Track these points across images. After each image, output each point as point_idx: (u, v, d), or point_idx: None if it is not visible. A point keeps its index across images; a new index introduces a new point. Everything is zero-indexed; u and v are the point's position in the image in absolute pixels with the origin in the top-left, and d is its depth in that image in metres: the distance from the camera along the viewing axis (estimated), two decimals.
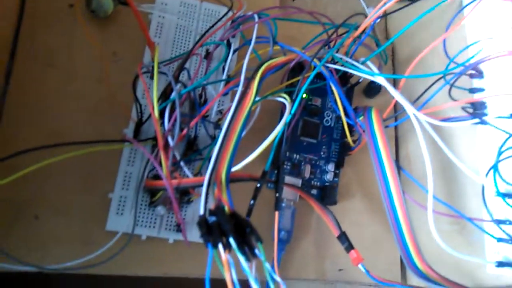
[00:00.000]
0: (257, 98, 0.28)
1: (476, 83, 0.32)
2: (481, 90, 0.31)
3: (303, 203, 0.36)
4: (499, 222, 0.28)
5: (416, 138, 0.27)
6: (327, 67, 0.32)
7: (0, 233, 0.29)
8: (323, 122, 0.39)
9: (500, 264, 0.28)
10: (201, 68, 0.36)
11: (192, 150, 0.33)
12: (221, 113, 0.35)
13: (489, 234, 0.29)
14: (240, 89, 0.27)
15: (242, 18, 0.34)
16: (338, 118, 0.39)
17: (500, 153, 0.28)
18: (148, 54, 0.35)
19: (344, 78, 0.38)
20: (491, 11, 0.31)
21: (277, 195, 0.31)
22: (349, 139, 0.36)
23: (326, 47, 0.34)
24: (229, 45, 0.34)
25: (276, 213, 0.30)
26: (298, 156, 0.37)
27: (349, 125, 0.34)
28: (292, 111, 0.29)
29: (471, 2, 0.31)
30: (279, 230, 0.34)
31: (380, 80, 0.31)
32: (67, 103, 0.33)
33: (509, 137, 0.28)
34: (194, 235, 0.32)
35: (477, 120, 0.28)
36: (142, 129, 0.33)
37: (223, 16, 0.37)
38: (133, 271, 0.32)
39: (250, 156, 0.26)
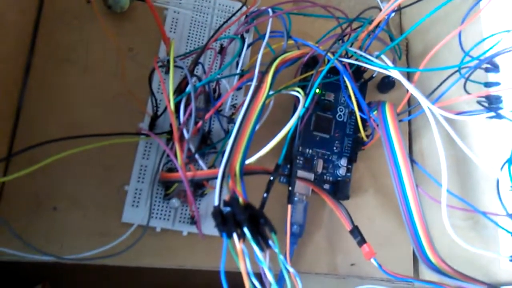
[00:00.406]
0: (271, 92, 0.28)
1: (491, 77, 0.31)
2: (496, 84, 0.31)
3: (315, 197, 0.36)
4: None
5: (430, 133, 0.27)
6: (341, 61, 0.32)
7: (20, 224, 0.30)
8: (336, 117, 0.39)
9: None
10: (216, 63, 0.36)
11: (206, 144, 0.34)
12: (235, 108, 0.35)
13: (503, 228, 0.28)
14: (254, 82, 0.27)
15: (256, 13, 0.35)
16: (351, 113, 0.39)
17: None
18: (163, 49, 0.36)
19: (357, 73, 0.38)
20: (508, 3, 0.31)
21: (290, 188, 0.31)
22: (363, 133, 0.36)
23: (340, 41, 0.34)
24: (243, 39, 0.35)
25: (289, 206, 0.30)
26: (310, 151, 0.37)
27: (362, 120, 0.34)
28: (306, 105, 0.29)
29: None
30: (292, 224, 0.34)
31: (395, 73, 0.30)
32: (84, 97, 0.34)
33: None
34: (208, 228, 0.33)
35: (492, 113, 0.28)
36: (157, 124, 0.34)
37: (237, 11, 0.37)
38: (147, 263, 0.32)
39: (264, 149, 0.27)
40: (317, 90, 0.38)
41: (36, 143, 0.25)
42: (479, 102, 0.30)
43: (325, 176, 0.37)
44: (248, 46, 0.36)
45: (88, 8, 0.35)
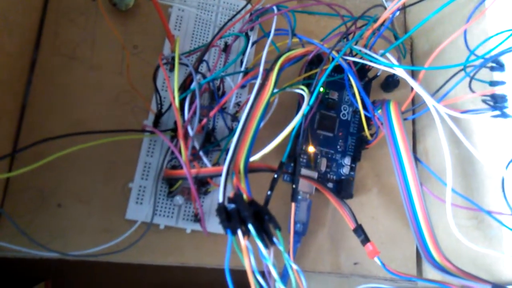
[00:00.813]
0: (275, 90, 0.28)
1: (496, 75, 0.31)
2: (501, 83, 0.30)
3: (318, 196, 0.36)
4: None
5: (434, 132, 0.27)
6: (345, 59, 0.32)
7: (25, 220, 0.30)
8: (340, 116, 0.39)
9: None
10: (220, 61, 0.36)
11: (210, 142, 0.34)
12: (239, 106, 0.35)
13: (508, 227, 0.28)
14: (259, 80, 0.27)
15: (261, 11, 0.34)
16: (355, 112, 0.39)
17: None
18: (168, 46, 0.36)
19: (362, 72, 0.38)
20: None
21: (293, 186, 0.31)
22: (367, 132, 0.35)
23: (345, 39, 0.34)
24: (247, 37, 0.35)
25: (293, 204, 0.30)
26: (314, 150, 0.37)
27: (366, 118, 0.34)
28: (310, 102, 0.29)
29: None
30: (295, 222, 0.34)
31: (400, 72, 0.30)
32: (89, 94, 0.34)
33: None
34: (211, 225, 0.33)
35: (497, 112, 0.28)
36: (161, 121, 0.34)
37: (242, 9, 0.37)
38: (151, 260, 0.32)
39: (268, 147, 0.27)
40: (321, 89, 0.38)
41: (41, 139, 0.26)
42: (484, 101, 0.30)
43: (328, 175, 0.37)
44: (253, 44, 0.36)
45: (93, 6, 0.35)
